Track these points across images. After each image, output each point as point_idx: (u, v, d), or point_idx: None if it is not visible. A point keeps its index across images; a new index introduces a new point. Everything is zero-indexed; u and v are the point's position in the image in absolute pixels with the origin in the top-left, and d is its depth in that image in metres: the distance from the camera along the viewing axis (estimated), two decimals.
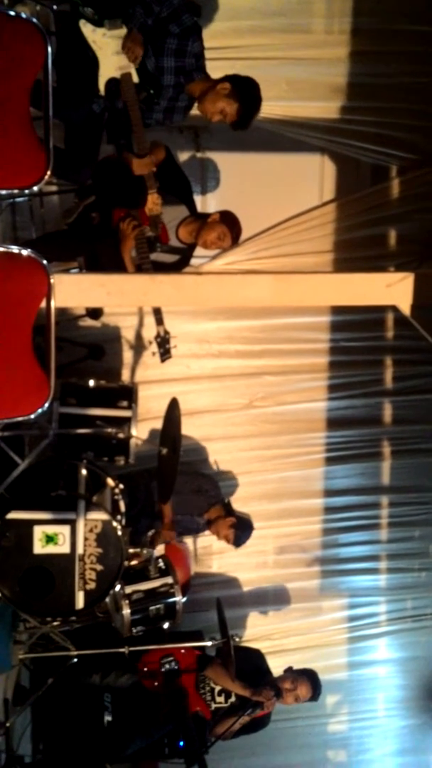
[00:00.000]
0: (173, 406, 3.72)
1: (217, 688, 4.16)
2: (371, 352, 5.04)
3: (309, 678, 4.20)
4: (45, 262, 2.22)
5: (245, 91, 3.38)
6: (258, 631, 5.13)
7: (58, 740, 4.04)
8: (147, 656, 4.13)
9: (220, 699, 4.16)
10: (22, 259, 2.22)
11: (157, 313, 3.57)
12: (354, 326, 4.95)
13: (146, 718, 3.97)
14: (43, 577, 3.38)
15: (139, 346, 4.62)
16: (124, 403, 3.87)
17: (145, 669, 4.11)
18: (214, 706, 4.14)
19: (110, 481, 3.70)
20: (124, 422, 3.83)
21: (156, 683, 4.08)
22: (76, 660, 3.87)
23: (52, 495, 3.43)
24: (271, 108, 4.29)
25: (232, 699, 4.15)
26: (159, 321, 3.56)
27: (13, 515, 3.35)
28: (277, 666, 4.39)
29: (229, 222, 3.73)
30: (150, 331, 3.72)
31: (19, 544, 3.34)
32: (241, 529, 4.36)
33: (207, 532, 4.61)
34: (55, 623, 3.64)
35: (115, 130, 3.48)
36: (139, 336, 4.62)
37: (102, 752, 3.94)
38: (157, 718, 3.95)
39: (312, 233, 4.74)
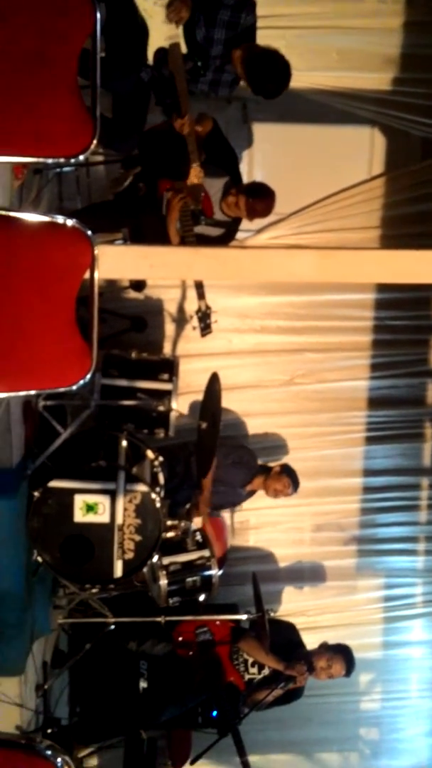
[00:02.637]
0: (214, 380, 3.72)
1: (251, 660, 4.19)
2: (416, 331, 4.95)
3: (344, 655, 4.20)
4: (89, 232, 2.21)
5: (255, 60, 3.29)
6: (293, 606, 5.15)
7: (94, 704, 4.13)
8: (182, 626, 4.18)
9: (254, 670, 4.19)
10: (66, 230, 2.21)
11: (199, 287, 3.56)
12: (399, 304, 4.88)
13: (181, 687, 4.02)
14: (83, 545, 3.44)
15: (181, 320, 4.62)
16: (165, 376, 3.89)
17: (180, 638, 4.17)
18: (247, 676, 4.18)
19: (150, 453, 3.72)
20: (165, 395, 3.85)
21: (190, 652, 4.14)
22: (113, 627, 3.94)
23: (93, 465, 3.48)
24: (320, 78, 4.23)
25: (266, 671, 4.17)
26: (201, 295, 3.56)
27: (54, 483, 3.41)
28: (311, 642, 4.40)
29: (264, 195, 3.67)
30: (193, 305, 3.71)
31: (61, 512, 3.40)
32: (289, 472, 4.35)
33: (244, 506, 4.63)
34: (94, 590, 3.71)
35: (162, 93, 3.45)
36: (181, 309, 4.62)
37: (136, 718, 4.02)
38: (191, 687, 4.01)
39: (359, 208, 4.66)
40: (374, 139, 4.75)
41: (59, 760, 2.25)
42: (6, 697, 3.39)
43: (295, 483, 4.33)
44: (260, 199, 3.64)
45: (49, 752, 2.27)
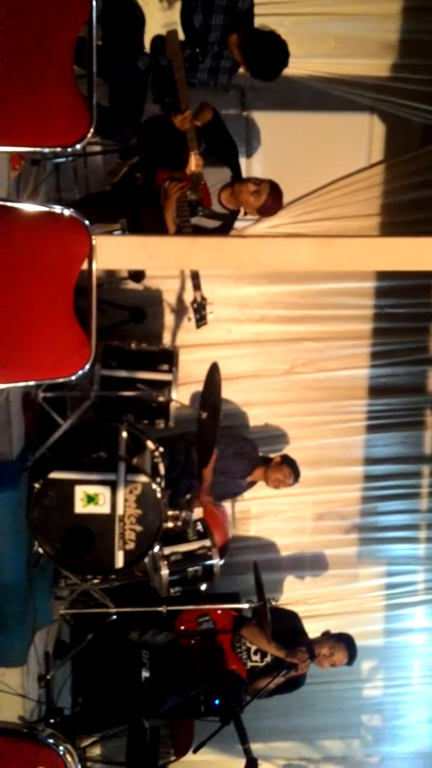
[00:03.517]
0: (214, 370, 3.71)
1: (253, 648, 4.21)
2: (416, 319, 4.94)
3: (346, 643, 4.22)
4: (87, 222, 2.20)
5: (251, 41, 3.26)
6: (294, 595, 5.16)
7: (97, 694, 4.15)
8: (184, 615, 4.19)
9: (256, 658, 4.21)
10: (64, 220, 2.21)
11: (195, 278, 3.54)
12: (399, 292, 4.86)
13: (183, 675, 4.04)
14: (84, 535, 3.44)
15: (180, 310, 4.61)
16: (165, 367, 3.89)
17: (183, 627, 4.18)
18: (249, 664, 4.19)
19: (150, 444, 3.72)
20: (165, 386, 3.84)
21: (193, 641, 4.15)
22: (115, 617, 3.95)
23: (93, 456, 3.47)
24: (318, 65, 4.20)
25: (268, 659, 4.19)
26: (196, 286, 3.55)
27: (55, 475, 3.41)
28: (312, 631, 4.42)
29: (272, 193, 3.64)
30: (192, 295, 3.70)
31: (61, 503, 3.40)
32: (289, 462, 4.35)
33: (245, 496, 4.63)
34: (95, 581, 3.72)
35: (160, 89, 3.42)
36: (180, 299, 4.61)
37: (139, 707, 4.04)
38: (193, 676, 4.03)
39: (359, 196, 4.64)
40: (373, 126, 4.72)
41: (61, 748, 2.28)
42: (8, 688, 3.41)
43: (295, 473, 4.33)
44: (278, 197, 3.62)
45: (51, 740, 2.29)
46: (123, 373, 3.83)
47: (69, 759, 2.28)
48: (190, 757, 4.46)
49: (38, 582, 3.68)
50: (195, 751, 3.94)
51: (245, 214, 3.79)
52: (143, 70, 3.38)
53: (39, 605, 3.69)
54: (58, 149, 2.20)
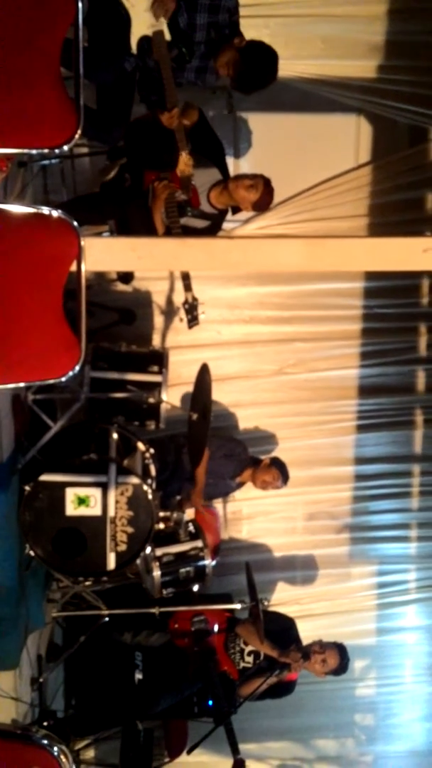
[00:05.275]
0: (204, 371, 3.72)
1: (247, 649, 4.21)
2: (405, 319, 4.96)
3: (338, 648, 4.23)
4: (75, 223, 2.20)
5: (251, 51, 3.29)
6: (286, 595, 5.17)
7: (90, 696, 4.14)
8: (178, 615, 4.19)
9: (249, 659, 4.21)
10: (52, 221, 2.21)
11: (186, 278, 3.55)
12: (388, 292, 4.88)
13: (176, 676, 4.04)
14: (75, 538, 3.44)
15: (170, 311, 4.62)
16: (155, 368, 3.89)
17: (176, 626, 4.18)
18: (242, 665, 4.20)
19: (141, 446, 3.72)
20: (155, 387, 3.84)
21: (186, 641, 4.15)
22: (107, 619, 3.94)
23: (84, 458, 3.47)
24: (305, 67, 4.21)
25: (260, 661, 4.19)
26: (187, 287, 3.55)
27: (45, 477, 3.40)
28: (305, 629, 4.43)
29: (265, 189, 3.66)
30: (181, 296, 3.70)
31: (52, 505, 3.39)
32: (278, 465, 4.36)
33: (237, 497, 4.63)
34: (87, 583, 3.71)
35: (147, 89, 3.43)
36: (170, 301, 4.61)
37: (132, 709, 4.03)
38: (186, 677, 4.02)
39: (347, 197, 4.66)
40: (360, 127, 4.74)
41: (55, 748, 2.27)
42: (1, 691, 3.39)
43: (284, 475, 4.34)
44: (271, 191, 3.65)
45: (45, 741, 2.28)
46: (113, 375, 3.82)
47: (63, 759, 2.28)
48: (184, 758, 4.46)
49: (30, 585, 3.67)
50: (189, 752, 3.93)
51: (234, 213, 3.80)
52: (130, 71, 3.38)
53: (31, 608, 3.67)
54: (46, 150, 2.20)
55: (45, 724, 3.78)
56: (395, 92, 4.41)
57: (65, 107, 2.16)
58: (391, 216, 4.70)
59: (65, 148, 2.20)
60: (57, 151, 2.20)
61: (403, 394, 5.05)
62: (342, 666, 4.22)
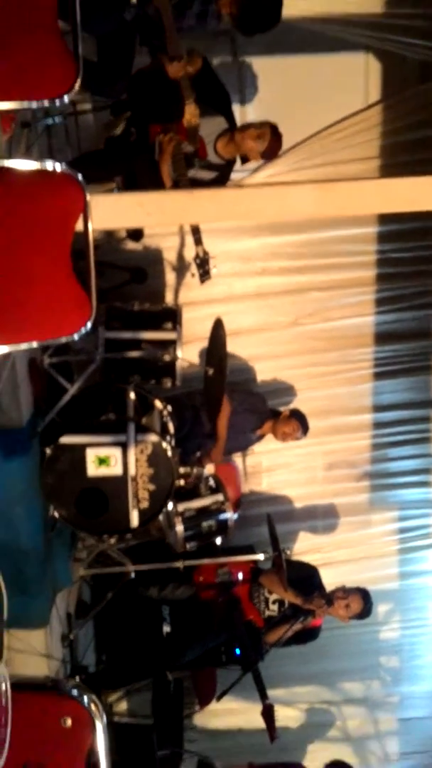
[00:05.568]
0: (218, 326, 3.69)
1: (271, 598, 4.27)
2: (420, 262, 4.87)
3: (361, 593, 4.27)
4: (80, 177, 2.15)
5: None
6: (308, 544, 5.22)
7: (120, 651, 4.23)
8: (202, 568, 4.25)
9: (274, 608, 4.27)
10: (56, 177, 2.15)
11: (196, 232, 3.49)
12: (401, 236, 4.79)
13: (203, 627, 4.11)
14: (98, 497, 3.47)
15: (181, 268, 4.56)
16: (169, 326, 3.86)
17: (201, 579, 4.25)
18: (267, 613, 4.26)
19: (158, 403, 3.72)
20: (170, 344, 3.82)
21: (212, 593, 4.21)
22: (133, 575, 4.00)
23: (102, 419, 3.48)
24: (310, 5, 4.05)
25: (285, 609, 4.25)
26: (198, 241, 3.49)
27: (65, 439, 3.41)
28: (327, 577, 4.47)
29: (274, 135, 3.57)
30: (192, 251, 3.65)
31: (73, 467, 3.42)
32: (298, 416, 4.37)
33: (256, 450, 4.63)
34: (112, 541, 3.75)
35: (149, 36, 3.32)
36: (181, 257, 4.55)
37: (162, 661, 4.13)
38: (212, 627, 4.10)
39: (357, 138, 4.54)
40: (369, 65, 4.58)
41: (86, 698, 2.30)
42: (33, 648, 3.47)
43: (304, 427, 4.33)
44: (279, 137, 3.56)
45: (75, 692, 2.32)
46: (127, 335, 3.80)
47: (94, 709, 2.30)
48: (213, 705, 4.58)
49: (56, 545, 3.72)
50: (218, 699, 4.03)
51: (243, 163, 3.71)
52: (130, 21, 3.27)
53: (58, 568, 3.73)
54: (47, 103, 2.13)
55: (77, 678, 3.87)
56: (404, 27, 4.25)
57: (64, 58, 2.10)
58: (403, 156, 4.58)
59: (66, 99, 2.13)
60: (58, 103, 2.14)
61: (419, 339, 5.00)
62: (366, 610, 4.27)
